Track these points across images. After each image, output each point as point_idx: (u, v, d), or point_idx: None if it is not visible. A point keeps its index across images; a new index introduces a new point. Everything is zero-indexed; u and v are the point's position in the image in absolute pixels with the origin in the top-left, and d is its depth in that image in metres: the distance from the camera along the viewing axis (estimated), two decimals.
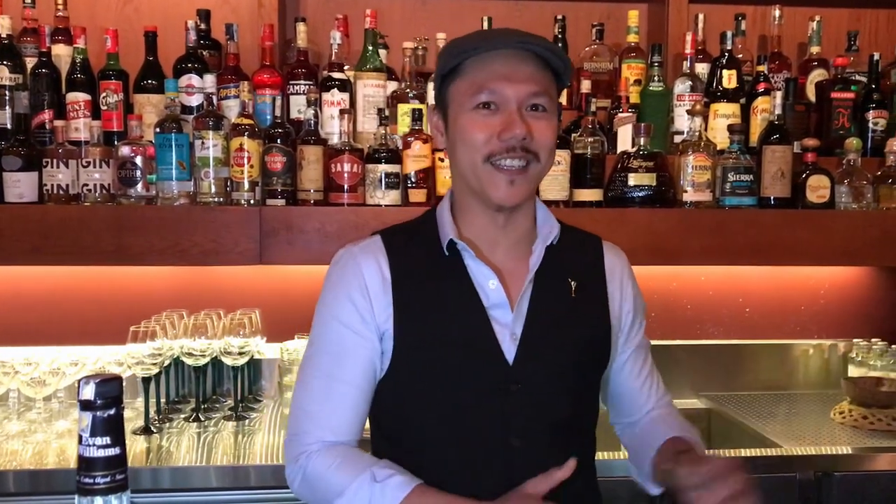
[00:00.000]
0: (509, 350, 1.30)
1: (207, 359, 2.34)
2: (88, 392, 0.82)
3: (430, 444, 1.31)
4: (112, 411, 0.83)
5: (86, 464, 0.83)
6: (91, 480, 0.83)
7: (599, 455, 2.15)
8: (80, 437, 0.83)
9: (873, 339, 2.75)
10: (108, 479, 0.83)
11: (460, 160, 1.31)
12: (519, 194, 1.28)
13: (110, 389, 0.83)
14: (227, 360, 2.34)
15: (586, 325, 1.37)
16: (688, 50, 2.53)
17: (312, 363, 1.34)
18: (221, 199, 2.30)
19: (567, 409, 1.34)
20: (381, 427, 1.40)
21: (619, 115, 2.52)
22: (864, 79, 2.64)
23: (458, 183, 1.36)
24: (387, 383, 1.34)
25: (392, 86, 2.49)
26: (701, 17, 2.64)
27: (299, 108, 2.43)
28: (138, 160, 2.26)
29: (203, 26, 2.51)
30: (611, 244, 1.48)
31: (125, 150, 2.26)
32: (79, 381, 0.83)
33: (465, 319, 1.30)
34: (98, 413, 0.82)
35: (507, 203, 1.28)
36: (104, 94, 2.39)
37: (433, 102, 1.41)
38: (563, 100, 2.56)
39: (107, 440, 0.83)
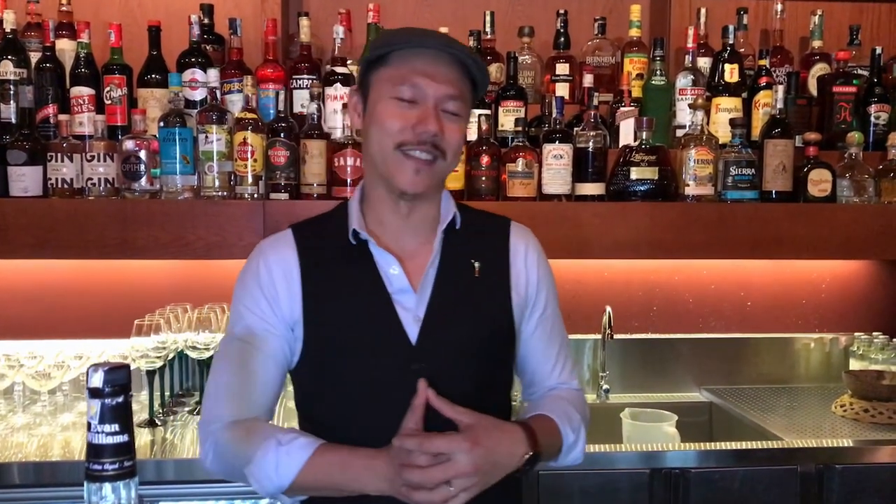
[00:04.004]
0: (412, 331, 1.36)
1: (211, 352, 2.34)
2: (97, 380, 0.83)
3: (347, 423, 1.37)
4: (120, 399, 0.84)
5: (94, 451, 0.84)
6: (100, 467, 0.84)
7: (601, 448, 2.19)
8: (89, 425, 0.84)
9: (874, 333, 2.76)
10: (116, 466, 0.84)
11: (372, 143, 1.37)
12: (422, 183, 1.34)
13: (119, 377, 0.84)
14: None
15: (490, 302, 1.44)
16: (690, 44, 2.54)
17: (224, 350, 1.42)
18: (225, 193, 2.31)
19: (470, 383, 1.39)
20: (303, 411, 1.47)
21: (622, 109, 2.53)
22: (865, 73, 2.65)
23: (369, 169, 1.42)
24: (302, 369, 1.42)
25: None
26: (703, 11, 2.65)
27: (302, 102, 2.43)
28: (142, 154, 2.27)
29: (206, 21, 2.52)
30: (519, 225, 1.52)
31: (129, 145, 2.27)
32: (87, 368, 0.85)
33: (369, 304, 1.37)
34: (107, 401, 0.84)
35: (410, 190, 1.35)
36: (108, 89, 2.40)
37: (356, 85, 1.45)
38: (566, 94, 2.56)
39: (115, 427, 0.84)
